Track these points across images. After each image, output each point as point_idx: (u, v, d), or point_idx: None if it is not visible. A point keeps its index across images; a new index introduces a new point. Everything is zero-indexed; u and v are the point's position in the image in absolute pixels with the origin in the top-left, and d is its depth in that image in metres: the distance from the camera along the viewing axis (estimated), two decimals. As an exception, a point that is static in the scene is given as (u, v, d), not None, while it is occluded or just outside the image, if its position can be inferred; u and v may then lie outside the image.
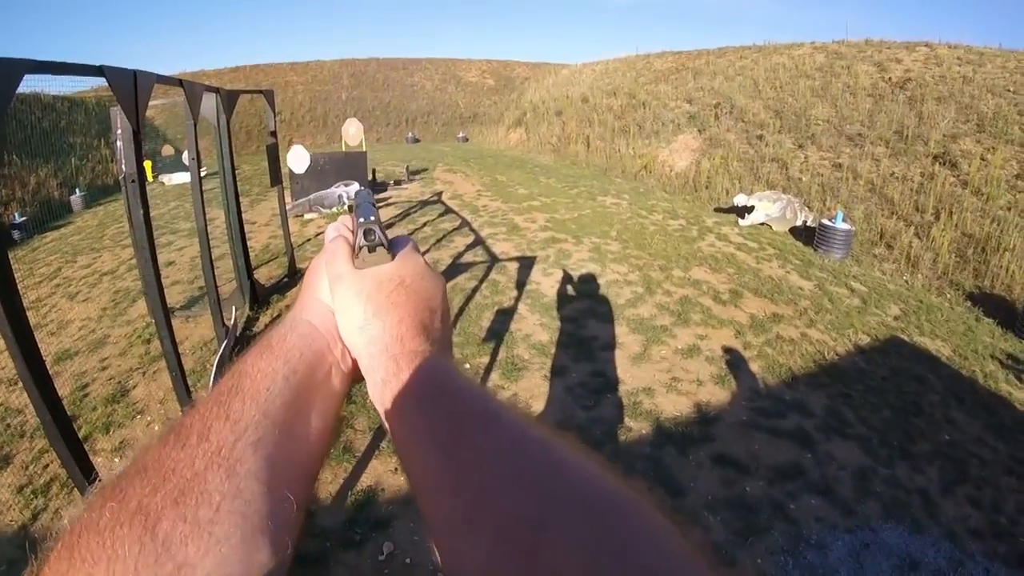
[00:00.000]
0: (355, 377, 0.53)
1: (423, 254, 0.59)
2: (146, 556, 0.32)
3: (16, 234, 11.39)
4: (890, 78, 13.52)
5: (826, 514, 3.83)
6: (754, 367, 5.53)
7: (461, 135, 26.33)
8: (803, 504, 3.91)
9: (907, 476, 4.25)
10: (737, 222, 10.45)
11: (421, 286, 0.54)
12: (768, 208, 10.07)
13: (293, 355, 0.49)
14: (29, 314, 2.14)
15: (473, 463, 0.39)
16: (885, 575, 3.44)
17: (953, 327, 6.91)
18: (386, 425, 0.47)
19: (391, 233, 0.57)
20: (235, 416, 0.42)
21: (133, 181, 3.31)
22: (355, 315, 0.51)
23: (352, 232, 0.59)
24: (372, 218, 0.57)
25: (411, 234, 8.46)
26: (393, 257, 0.55)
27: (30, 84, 2.35)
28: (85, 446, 2.82)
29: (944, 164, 10.23)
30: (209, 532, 0.35)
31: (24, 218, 11.97)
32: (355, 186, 11.51)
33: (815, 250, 9.10)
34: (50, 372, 2.24)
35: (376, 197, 9.03)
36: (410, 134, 26.43)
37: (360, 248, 0.54)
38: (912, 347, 6.21)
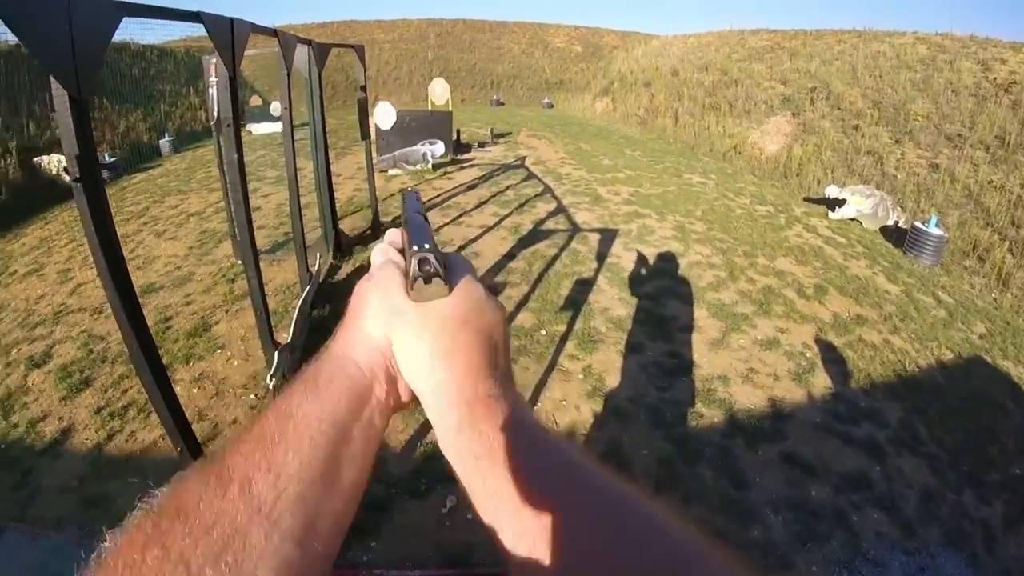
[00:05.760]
0: (397, 410, 0.54)
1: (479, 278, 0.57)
2: None
3: (105, 173, 11.77)
4: (995, 79, 12.60)
5: (887, 531, 3.79)
6: (833, 369, 5.43)
7: (546, 101, 26.02)
8: (866, 517, 3.87)
9: (973, 505, 4.12)
10: (827, 214, 10.11)
11: (484, 322, 0.53)
12: (860, 203, 9.68)
13: (338, 400, 0.48)
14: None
15: (575, 524, 0.40)
16: (936, 605, 3.40)
17: (1039, 355, 6.49)
18: (458, 474, 0.47)
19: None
20: (277, 468, 0.42)
21: (229, 125, 3.47)
22: (420, 357, 0.50)
23: (401, 253, 0.58)
24: (427, 245, 0.54)
25: (493, 197, 8.60)
26: (451, 288, 0.52)
27: (126, 30, 2.35)
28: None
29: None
30: None
31: (114, 159, 12.51)
32: (440, 145, 11.67)
33: (904, 253, 8.74)
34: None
35: (460, 158, 9.13)
36: (494, 97, 26.36)
37: (415, 279, 0.51)
38: (994, 370, 5.90)
